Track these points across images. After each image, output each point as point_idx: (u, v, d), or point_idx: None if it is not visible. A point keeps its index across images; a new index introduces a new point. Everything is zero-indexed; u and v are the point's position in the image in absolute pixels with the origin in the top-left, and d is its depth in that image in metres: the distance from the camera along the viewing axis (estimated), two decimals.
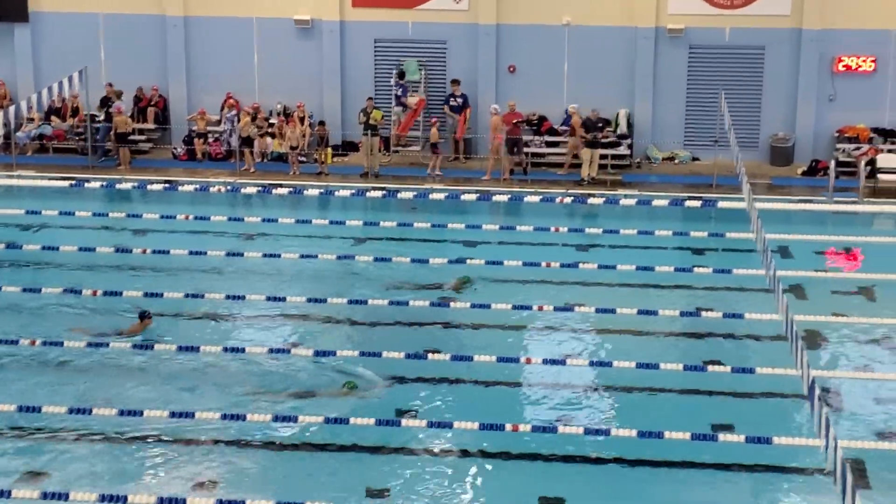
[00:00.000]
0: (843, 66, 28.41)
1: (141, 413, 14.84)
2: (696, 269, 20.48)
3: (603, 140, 27.66)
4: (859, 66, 28.41)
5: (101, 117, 29.50)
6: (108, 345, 16.81)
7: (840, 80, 28.55)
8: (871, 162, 26.77)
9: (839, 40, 28.27)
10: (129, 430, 14.70)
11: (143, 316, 17.71)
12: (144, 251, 21.09)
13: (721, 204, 24.16)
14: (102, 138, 28.98)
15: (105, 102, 29.60)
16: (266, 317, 18.69)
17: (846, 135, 28.41)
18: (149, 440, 14.57)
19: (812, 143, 28.63)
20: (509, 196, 24.86)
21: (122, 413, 14.84)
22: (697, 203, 24.27)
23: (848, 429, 14.78)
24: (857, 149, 27.86)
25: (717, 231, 22.62)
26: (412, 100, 29.07)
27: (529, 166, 28.40)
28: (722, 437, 14.28)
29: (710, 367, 16.31)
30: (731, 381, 16.11)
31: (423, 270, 20.41)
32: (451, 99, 28.90)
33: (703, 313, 18.41)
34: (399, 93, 29.05)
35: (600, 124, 27.69)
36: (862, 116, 28.50)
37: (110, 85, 29.64)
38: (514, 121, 27.90)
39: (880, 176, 26.63)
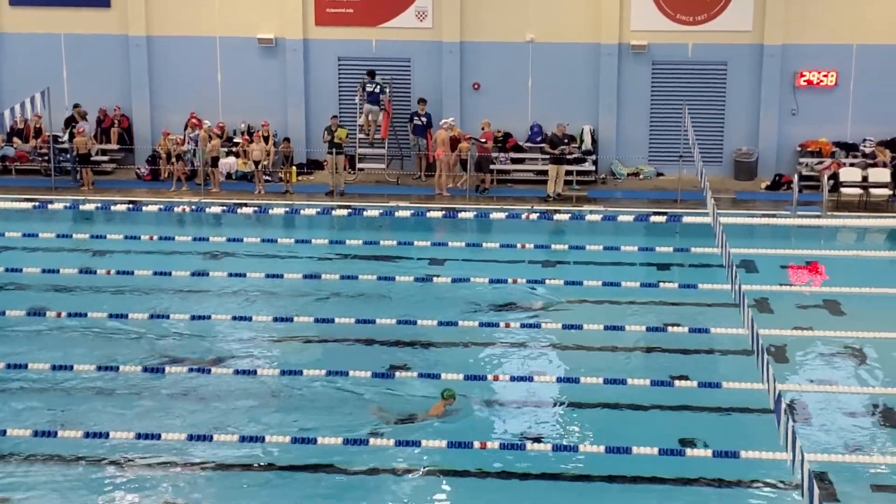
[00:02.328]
0: (805, 80, 28.66)
1: (107, 435, 14.70)
2: (661, 285, 20.54)
3: (568, 156, 27.73)
4: (821, 81, 28.67)
5: (65, 138, 29.30)
6: (71, 367, 16.63)
7: (802, 95, 28.78)
8: (834, 176, 26.99)
9: (801, 55, 28.53)
10: (94, 453, 14.55)
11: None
12: (109, 272, 20.90)
13: (686, 219, 24.16)
14: (73, 160, 28.78)
15: (69, 123, 29.40)
16: (232, 337, 18.57)
17: (809, 149, 28.64)
18: (114, 462, 14.41)
19: (775, 158, 28.85)
20: (475, 213, 24.87)
21: (87, 435, 14.68)
22: (662, 218, 24.29)
23: (814, 442, 14.84)
24: (820, 163, 28.08)
25: (683, 246, 22.63)
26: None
27: (495, 182, 28.46)
28: (689, 451, 14.28)
29: (677, 382, 16.30)
30: (698, 395, 16.12)
31: (390, 288, 20.37)
32: (416, 118, 28.91)
33: (670, 328, 18.44)
34: (376, 90, 28.91)
35: (566, 140, 27.77)
36: (824, 130, 28.74)
37: (77, 106, 29.45)
38: (482, 140, 27.95)
39: (843, 190, 26.85)
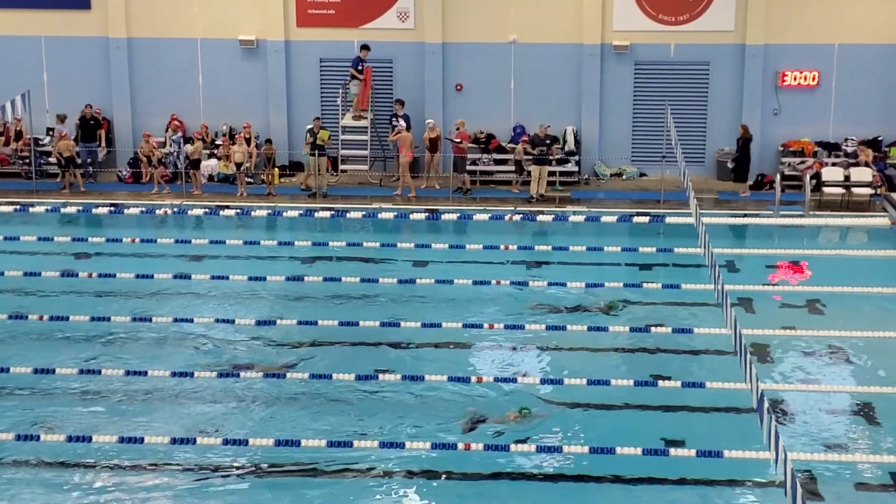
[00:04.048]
0: (787, 80, 28.72)
1: (90, 439, 14.63)
2: (645, 285, 20.55)
3: (551, 157, 27.74)
4: (803, 80, 28.73)
5: (46, 141, 29.18)
6: (53, 371, 16.55)
7: (784, 95, 28.86)
8: (816, 175, 27.06)
9: (783, 55, 28.61)
10: (77, 456, 14.47)
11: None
12: (90, 275, 20.81)
13: (669, 219, 24.21)
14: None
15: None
16: (214, 339, 18.51)
17: (791, 149, 28.73)
18: (97, 466, 14.34)
19: (758, 158, 28.90)
20: (458, 215, 24.82)
21: (70, 439, 14.61)
22: (645, 219, 24.31)
23: (798, 441, 14.86)
24: (802, 162, 28.16)
25: (666, 246, 22.66)
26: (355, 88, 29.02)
27: (478, 183, 28.47)
28: (673, 451, 14.28)
29: (660, 383, 16.30)
30: (681, 395, 16.13)
31: (373, 290, 20.34)
32: (395, 119, 28.88)
33: (653, 329, 18.47)
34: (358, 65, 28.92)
35: (548, 141, 27.78)
36: (806, 130, 28.84)
37: (89, 106, 29.21)
38: (457, 140, 27.93)
39: (825, 189, 26.93)
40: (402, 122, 28.42)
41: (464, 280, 20.30)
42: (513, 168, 28.97)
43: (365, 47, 28.88)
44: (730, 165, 28.17)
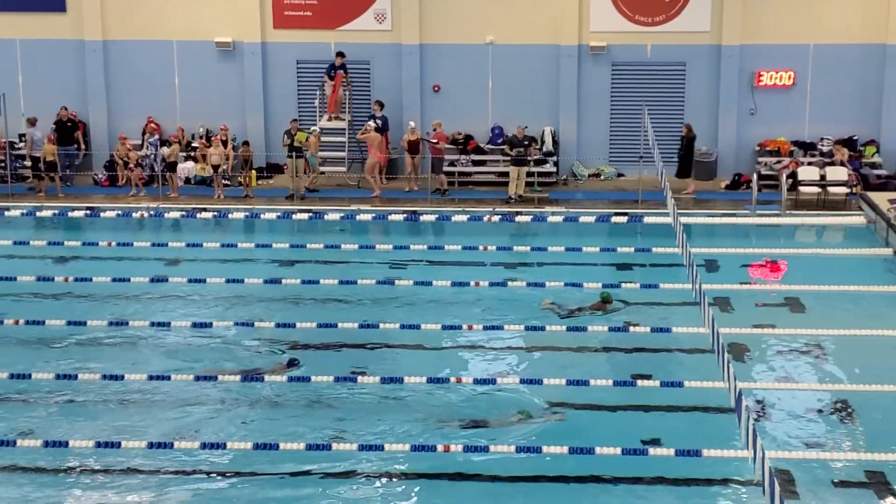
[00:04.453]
0: (763, 80, 28.82)
1: (66, 444, 14.55)
2: (623, 285, 20.58)
3: (529, 158, 27.76)
4: (779, 81, 28.84)
5: (20, 145, 29.03)
6: (29, 375, 16.45)
7: (760, 95, 28.96)
8: (793, 175, 27.16)
9: (759, 55, 28.71)
10: (54, 462, 14.39)
11: (291, 363, 17.29)
12: (67, 279, 20.72)
13: (647, 219, 24.32)
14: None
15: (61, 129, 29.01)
16: (192, 343, 18.43)
17: (767, 148, 28.83)
18: (74, 471, 14.26)
19: (734, 157, 29.01)
20: (437, 216, 24.83)
21: (47, 444, 14.54)
22: (624, 219, 24.41)
23: (775, 439, 14.91)
24: (779, 162, 28.26)
25: (644, 246, 22.74)
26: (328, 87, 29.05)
27: (456, 185, 28.47)
28: (652, 451, 14.32)
29: (639, 382, 16.35)
30: (660, 395, 16.16)
31: (352, 292, 20.31)
32: (373, 120, 28.83)
33: (632, 328, 18.51)
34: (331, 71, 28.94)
35: (526, 142, 27.79)
36: (782, 130, 28.94)
37: (65, 109, 29.03)
38: (434, 141, 27.92)
39: (801, 188, 27.02)
40: (371, 123, 28.39)
41: (443, 281, 20.33)
42: (491, 169, 28.98)
43: (339, 54, 28.86)
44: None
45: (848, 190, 26.88)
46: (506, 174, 28.02)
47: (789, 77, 28.81)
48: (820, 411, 15.97)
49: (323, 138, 29.07)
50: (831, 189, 27.03)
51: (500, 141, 29.16)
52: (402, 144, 28.25)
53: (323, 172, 28.84)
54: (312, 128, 28.49)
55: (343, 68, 29.02)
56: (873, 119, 28.69)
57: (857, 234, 24.27)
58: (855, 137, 28.71)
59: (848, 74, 28.61)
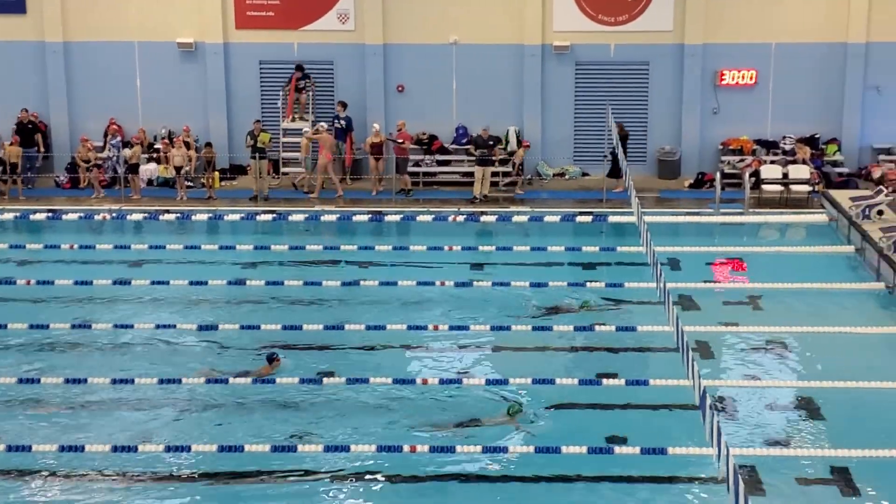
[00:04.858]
0: (726, 79, 28.95)
1: (30, 448, 14.42)
2: (588, 284, 20.62)
3: (494, 158, 27.76)
4: (741, 79, 28.99)
5: None
6: None
7: (723, 94, 29.10)
8: (755, 173, 27.29)
9: (721, 54, 28.84)
10: (17, 466, 14.25)
11: (271, 358, 17.11)
12: (28, 282, 20.54)
13: (611, 218, 24.42)
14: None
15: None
16: (156, 346, 18.30)
17: (730, 147, 28.96)
18: (38, 475, 14.13)
19: (698, 156, 29.12)
20: (401, 216, 24.80)
21: (10, 448, 14.41)
22: (588, 218, 24.49)
23: (740, 436, 14.97)
24: (742, 161, 28.40)
25: (609, 245, 22.81)
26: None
27: (420, 185, 28.45)
28: (618, 449, 14.35)
29: (604, 381, 16.39)
30: (625, 393, 16.21)
31: (316, 293, 20.24)
32: (336, 121, 28.76)
33: (597, 327, 18.55)
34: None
35: (491, 142, 27.79)
36: (745, 129, 29.09)
37: (25, 111, 28.76)
38: (399, 140, 27.87)
39: (764, 187, 27.16)
40: (323, 124, 28.33)
41: (408, 282, 20.32)
42: (456, 169, 28.99)
43: (298, 68, 28.81)
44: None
45: (810, 188, 27.03)
46: (471, 174, 28.02)
47: (751, 76, 28.96)
48: (784, 408, 16.06)
49: (285, 139, 28.96)
50: (794, 187, 27.19)
51: (464, 141, 29.16)
52: (365, 147, 28.11)
53: (280, 175, 28.76)
54: (304, 129, 28.30)
55: (305, 76, 28.91)
56: (835, 117, 28.89)
57: (819, 232, 24.44)
58: (817, 136, 28.90)
59: (809, 73, 28.80)
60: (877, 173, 27.61)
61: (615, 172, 27.56)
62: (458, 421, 15.55)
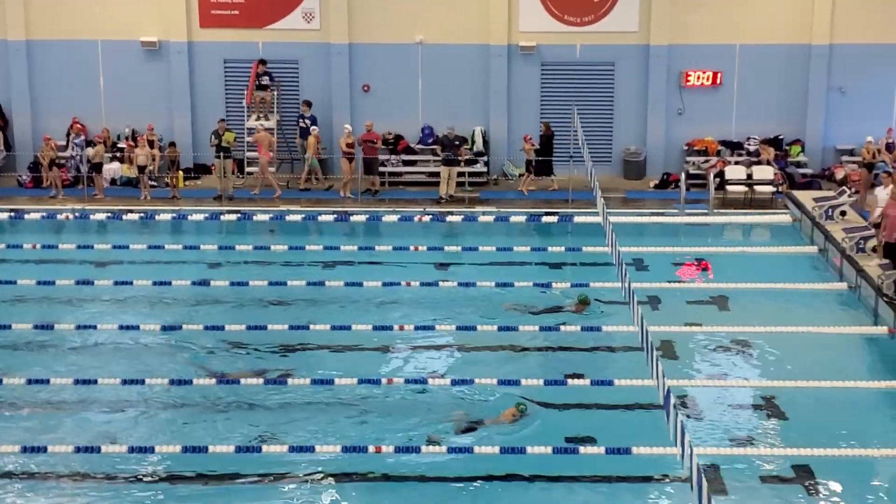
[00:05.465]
0: (691, 80, 29.07)
1: None
2: (554, 284, 20.65)
3: (460, 158, 27.75)
4: (706, 80, 29.11)
5: None
6: None
7: (688, 95, 29.22)
8: (720, 174, 27.42)
9: (686, 55, 28.95)
10: None
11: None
12: None
13: (577, 219, 24.47)
14: None
15: None
16: (119, 346, 18.17)
17: (695, 148, 29.09)
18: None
19: (663, 157, 29.23)
20: (367, 216, 24.75)
21: None
22: (554, 218, 24.53)
23: (704, 436, 15.03)
24: (706, 161, 28.53)
25: (574, 245, 22.85)
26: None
27: (386, 185, 28.41)
28: (583, 449, 14.38)
29: (570, 381, 16.42)
30: (591, 393, 16.24)
31: (281, 293, 20.17)
32: (301, 120, 28.67)
33: (563, 327, 18.57)
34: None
35: (457, 142, 27.78)
36: (709, 129, 29.23)
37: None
38: (367, 140, 27.79)
39: (728, 187, 27.29)
40: (261, 123, 28.23)
41: (374, 282, 20.28)
42: (422, 169, 28.97)
43: (262, 61, 28.75)
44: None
45: (774, 189, 27.19)
46: (436, 174, 27.99)
47: (716, 77, 29.09)
48: (748, 407, 16.14)
49: (250, 139, 28.82)
50: (758, 188, 27.34)
51: (430, 141, 29.14)
52: (341, 147, 27.80)
53: (245, 175, 28.64)
54: (314, 127, 28.13)
55: (267, 73, 28.83)
56: (799, 118, 29.07)
57: (783, 233, 24.60)
58: (781, 137, 29.08)
59: (774, 74, 28.96)
60: (840, 174, 27.80)
61: (543, 171, 27.80)
62: (426, 421, 15.53)
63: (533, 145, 28.00)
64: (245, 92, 29.04)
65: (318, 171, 28.29)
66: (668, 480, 13.94)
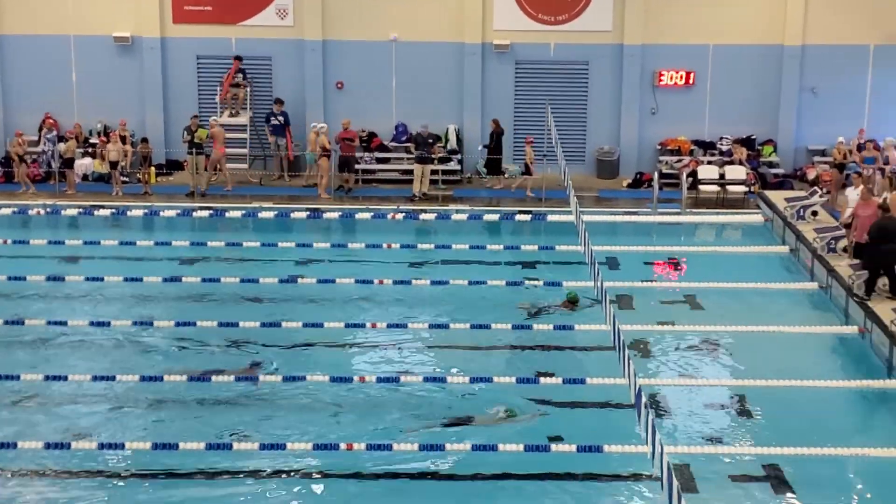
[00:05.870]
0: (664, 79, 29.17)
1: None
2: (527, 282, 20.67)
3: (434, 156, 27.74)
4: (679, 80, 29.21)
5: None
6: None
7: (661, 94, 29.31)
8: (693, 173, 27.54)
9: (659, 55, 29.05)
10: None
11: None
12: None
13: (550, 217, 24.51)
14: None
15: None
16: (90, 342, 18.07)
17: (668, 147, 29.19)
18: None
19: (636, 156, 29.32)
20: (340, 213, 24.70)
21: None
22: (527, 217, 24.56)
23: (675, 435, 15.08)
24: (679, 161, 28.64)
25: (547, 244, 22.88)
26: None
27: (360, 182, 28.36)
28: (554, 447, 14.39)
29: (542, 379, 16.43)
30: (562, 392, 16.25)
31: (254, 290, 20.11)
32: (273, 118, 28.59)
33: (535, 326, 18.58)
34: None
35: (430, 140, 27.77)
36: (682, 129, 29.33)
37: None
38: (346, 139, 27.75)
39: (701, 187, 27.41)
40: (216, 118, 28.16)
41: (346, 279, 20.25)
42: (395, 167, 28.94)
43: (237, 58, 28.67)
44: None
45: (746, 189, 27.34)
46: (410, 172, 27.98)
47: (689, 77, 29.19)
48: (719, 407, 16.20)
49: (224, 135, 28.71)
50: (730, 188, 27.46)
51: (403, 139, 29.12)
52: (317, 148, 27.66)
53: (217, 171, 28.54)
54: (321, 125, 27.94)
55: (241, 71, 28.77)
56: (771, 119, 29.22)
57: (754, 232, 24.72)
58: (753, 137, 29.21)
59: (746, 75, 29.09)
60: (811, 174, 27.95)
61: (494, 169, 27.89)
62: (397, 418, 15.52)
63: (532, 143, 28.00)
64: (218, 88, 28.94)
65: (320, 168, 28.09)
66: (639, 479, 13.96)
